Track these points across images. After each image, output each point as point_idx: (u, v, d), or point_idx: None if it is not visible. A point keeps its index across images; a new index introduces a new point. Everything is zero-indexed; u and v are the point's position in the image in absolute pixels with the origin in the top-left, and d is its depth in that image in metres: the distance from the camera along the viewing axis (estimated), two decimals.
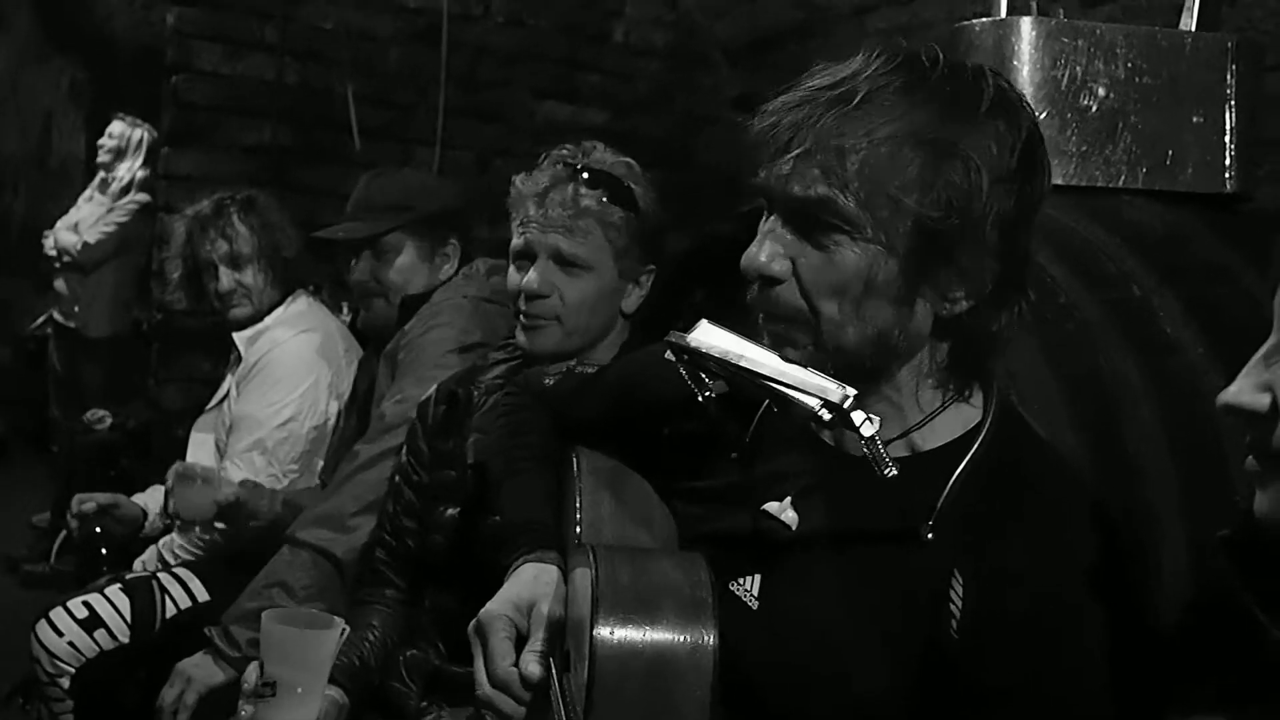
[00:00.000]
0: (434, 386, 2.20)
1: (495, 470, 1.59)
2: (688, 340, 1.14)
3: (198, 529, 2.74)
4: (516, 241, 2.00)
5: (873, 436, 1.05)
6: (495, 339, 2.37)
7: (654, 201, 2.03)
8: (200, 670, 2.25)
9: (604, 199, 1.95)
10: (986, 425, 1.19)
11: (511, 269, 2.02)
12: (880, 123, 1.10)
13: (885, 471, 1.05)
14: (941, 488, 1.13)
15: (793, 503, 1.24)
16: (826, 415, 1.06)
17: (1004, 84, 1.16)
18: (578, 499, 1.36)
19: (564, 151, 2.02)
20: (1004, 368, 1.52)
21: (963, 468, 1.14)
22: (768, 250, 1.16)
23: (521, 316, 1.99)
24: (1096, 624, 1.13)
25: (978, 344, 1.18)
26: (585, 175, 1.96)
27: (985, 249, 1.12)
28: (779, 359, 1.11)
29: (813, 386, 1.07)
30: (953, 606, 1.11)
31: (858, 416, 1.05)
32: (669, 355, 1.17)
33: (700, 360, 1.14)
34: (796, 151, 1.12)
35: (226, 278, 2.91)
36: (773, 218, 1.17)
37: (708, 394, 1.18)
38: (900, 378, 1.20)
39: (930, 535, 1.12)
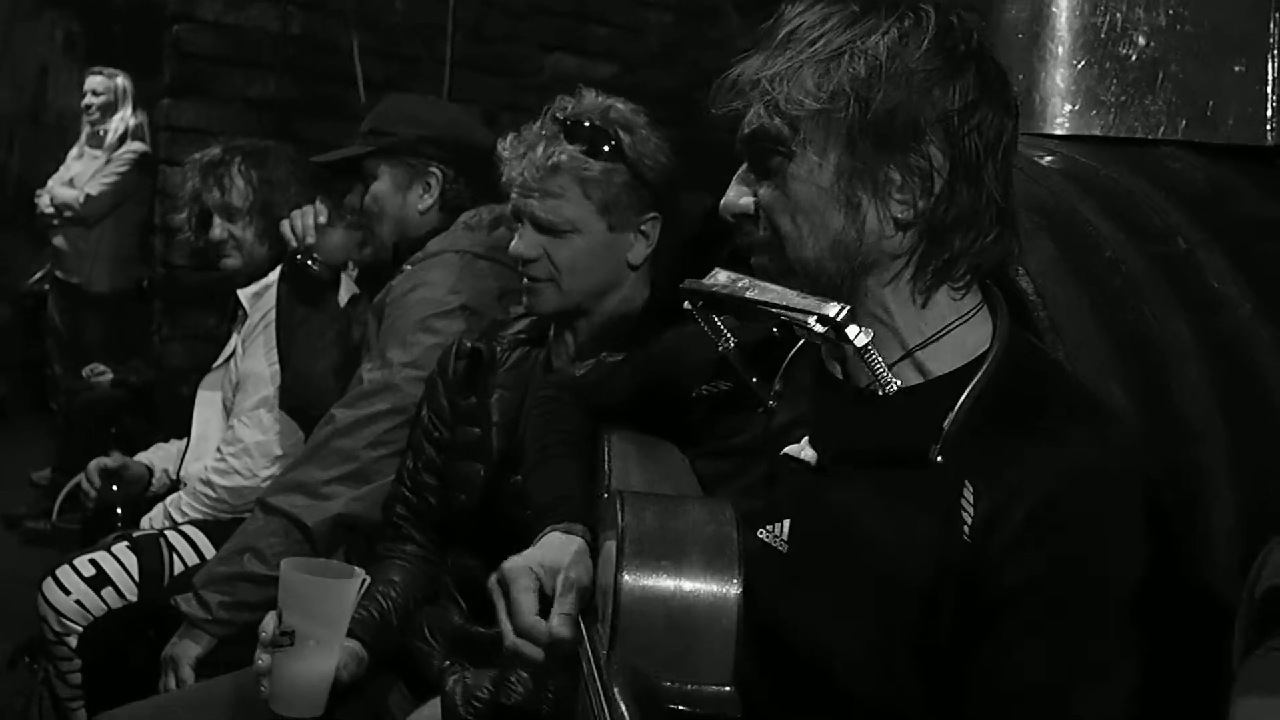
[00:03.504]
0: (423, 349, 2.21)
1: (530, 459, 1.60)
2: (700, 283, 1.20)
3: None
4: (510, 205, 1.97)
5: (865, 346, 1.09)
6: (484, 299, 2.33)
7: (653, 147, 1.95)
8: (179, 648, 2.23)
9: (581, 153, 1.89)
10: (992, 350, 1.21)
11: (516, 231, 1.98)
12: (795, 50, 1.18)
13: (885, 386, 1.11)
14: (950, 410, 1.16)
15: (810, 441, 1.26)
16: (820, 328, 1.10)
17: (928, 3, 1.20)
18: (607, 466, 1.36)
19: (557, 103, 1.96)
20: (1048, 320, 1.49)
21: (969, 391, 1.16)
22: (733, 191, 1.28)
23: (524, 279, 1.96)
24: (1113, 531, 1.12)
25: (943, 247, 1.19)
26: (565, 129, 1.90)
27: (920, 143, 1.15)
28: (783, 289, 1.16)
29: (811, 305, 1.12)
30: (964, 514, 1.13)
31: (851, 330, 1.09)
32: (685, 304, 1.23)
33: (713, 301, 1.20)
34: (730, 94, 1.21)
35: (219, 227, 2.89)
36: (743, 165, 1.26)
37: (726, 344, 1.25)
38: (882, 295, 1.21)
39: (939, 458, 1.14)
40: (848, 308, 1.10)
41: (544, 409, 1.67)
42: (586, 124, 1.91)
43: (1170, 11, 1.88)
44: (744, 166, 1.26)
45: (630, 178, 1.92)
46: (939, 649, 1.13)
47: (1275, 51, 1.92)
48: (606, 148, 1.91)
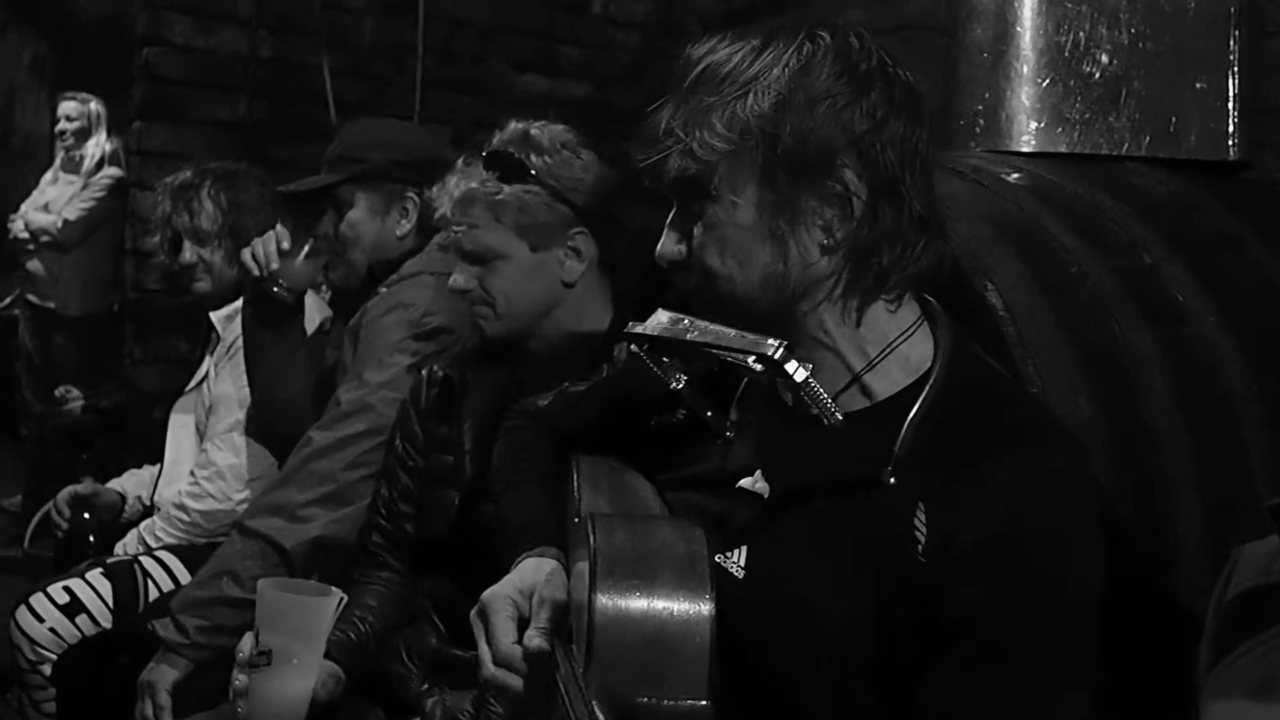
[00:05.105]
0: (400, 370, 2.23)
1: (501, 484, 1.63)
2: (641, 328, 1.21)
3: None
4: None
5: (806, 380, 1.09)
6: (459, 320, 2.31)
7: (572, 164, 1.95)
8: (156, 674, 2.21)
9: (494, 178, 1.93)
10: (936, 366, 1.21)
11: None
12: (703, 93, 1.19)
13: (830, 418, 1.09)
14: (899, 432, 1.16)
15: (763, 473, 1.27)
16: (759, 368, 1.10)
17: (826, 28, 1.21)
18: (577, 494, 1.37)
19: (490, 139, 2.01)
20: (1017, 336, 1.51)
21: (916, 410, 1.17)
22: (665, 239, 1.27)
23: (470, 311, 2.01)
24: (1069, 556, 1.12)
25: (870, 264, 1.20)
26: (483, 160, 1.95)
27: (834, 168, 1.17)
28: (722, 329, 1.16)
29: (749, 345, 1.12)
30: (918, 534, 1.13)
31: (790, 365, 1.09)
32: (632, 347, 1.24)
33: (658, 345, 1.21)
34: (648, 144, 1.22)
35: (189, 251, 2.90)
36: (673, 209, 1.27)
37: (676, 383, 1.25)
38: (820, 318, 1.23)
39: (892, 480, 1.14)
40: (784, 345, 1.10)
41: (511, 438, 1.70)
42: (500, 152, 1.94)
43: (1132, 30, 1.91)
44: (673, 212, 1.27)
45: (546, 196, 1.93)
46: (896, 675, 1.13)
47: (1235, 68, 1.95)
48: (516, 171, 1.93)
